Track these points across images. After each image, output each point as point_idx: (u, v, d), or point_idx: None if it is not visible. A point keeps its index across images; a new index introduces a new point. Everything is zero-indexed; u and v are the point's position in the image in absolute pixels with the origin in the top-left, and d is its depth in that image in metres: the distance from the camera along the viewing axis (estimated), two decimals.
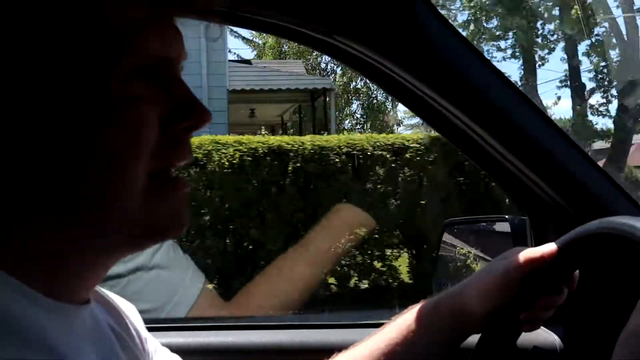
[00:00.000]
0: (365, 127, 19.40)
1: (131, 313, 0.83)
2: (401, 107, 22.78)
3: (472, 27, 18.13)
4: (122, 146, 0.57)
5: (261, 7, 0.97)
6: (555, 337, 1.13)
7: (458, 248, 1.43)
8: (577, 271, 0.86)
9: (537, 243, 1.12)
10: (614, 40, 17.24)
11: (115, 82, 0.56)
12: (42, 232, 0.58)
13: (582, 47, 18.17)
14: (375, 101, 19.70)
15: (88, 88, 0.56)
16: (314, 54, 18.40)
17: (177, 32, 0.64)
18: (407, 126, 24.83)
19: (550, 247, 0.84)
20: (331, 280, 6.31)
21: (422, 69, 0.98)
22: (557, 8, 17.38)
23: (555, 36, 18.50)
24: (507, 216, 1.28)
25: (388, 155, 6.19)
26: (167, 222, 0.64)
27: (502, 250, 1.05)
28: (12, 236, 0.58)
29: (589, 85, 18.49)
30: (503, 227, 1.30)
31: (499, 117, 1.01)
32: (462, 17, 19.04)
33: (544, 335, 1.11)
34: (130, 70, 0.57)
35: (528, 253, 0.85)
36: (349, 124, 20.47)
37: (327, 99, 13.07)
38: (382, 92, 17.68)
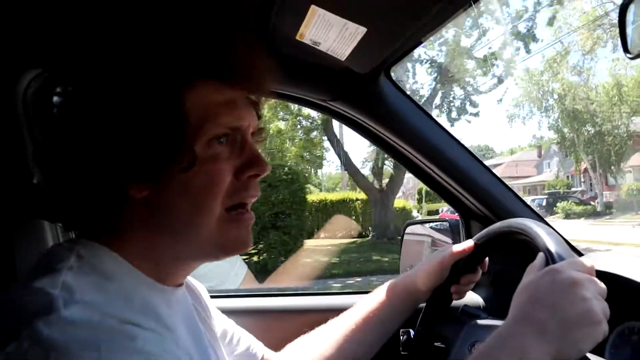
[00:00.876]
0: None
1: (203, 292, 1.08)
2: None
3: None
4: (204, 189, 0.76)
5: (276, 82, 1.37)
6: (480, 298, 1.52)
7: (416, 242, 1.82)
8: (487, 258, 1.19)
9: (467, 237, 1.55)
10: None
11: (199, 146, 0.74)
12: (152, 238, 0.77)
13: None
14: None
15: (181, 151, 0.73)
16: None
17: (247, 107, 0.81)
18: None
19: (469, 243, 1.17)
20: None
21: (385, 121, 1.42)
22: None
23: None
24: (447, 219, 1.68)
25: None
26: (235, 243, 0.81)
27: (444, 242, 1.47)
28: (134, 239, 0.77)
29: None
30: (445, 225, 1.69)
31: (438, 152, 1.44)
32: None
33: (473, 297, 1.50)
34: (209, 138, 0.75)
35: (455, 247, 1.18)
36: None
37: None
38: None
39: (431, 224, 1.80)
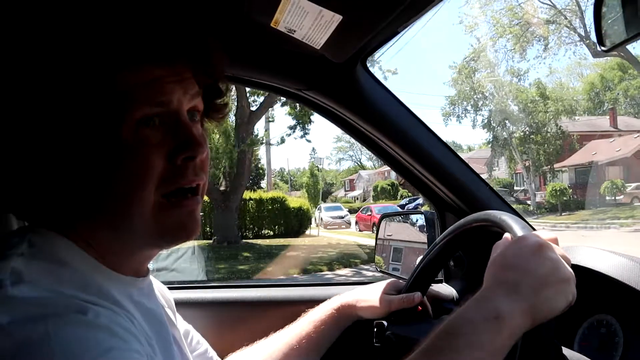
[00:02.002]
0: None
1: (165, 290, 1.05)
2: None
3: None
4: (133, 176, 0.73)
5: (249, 70, 1.37)
6: (454, 290, 1.52)
7: (391, 235, 1.82)
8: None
9: (442, 229, 1.56)
10: None
11: (124, 130, 0.72)
12: (95, 228, 0.76)
13: None
14: None
15: (103, 135, 0.71)
16: None
17: (178, 85, 0.76)
18: None
19: (416, 298, 1.24)
20: None
21: (360, 111, 1.41)
22: None
23: None
24: (422, 210, 1.67)
25: None
26: (175, 230, 0.78)
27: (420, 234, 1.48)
28: (83, 227, 0.76)
29: None
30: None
31: (414, 143, 1.44)
32: None
33: (446, 290, 1.51)
34: (135, 121, 0.72)
35: (402, 299, 1.25)
36: None
37: None
38: None
39: (405, 217, 1.80)
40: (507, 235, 0.92)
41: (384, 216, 1.85)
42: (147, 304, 0.83)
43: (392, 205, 34.14)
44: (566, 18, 30.73)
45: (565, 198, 30.83)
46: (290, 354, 1.24)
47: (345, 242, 21.17)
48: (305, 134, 17.69)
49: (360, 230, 30.20)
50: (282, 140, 18.83)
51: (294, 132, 17.64)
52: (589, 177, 33.30)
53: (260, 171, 38.37)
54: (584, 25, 30.52)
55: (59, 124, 0.70)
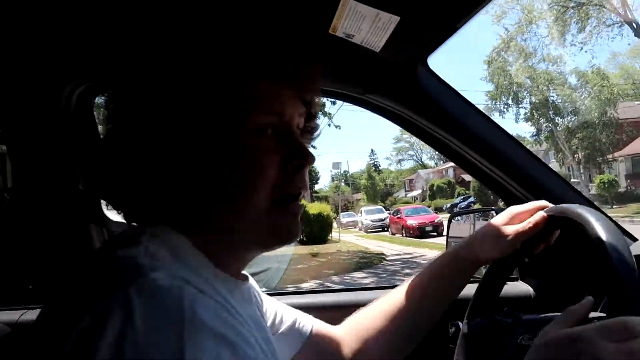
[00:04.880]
0: None
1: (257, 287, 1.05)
2: None
3: None
4: (248, 180, 0.77)
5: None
6: (530, 288, 1.49)
7: (461, 234, 1.78)
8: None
9: None
10: None
11: (242, 136, 0.77)
12: (207, 230, 0.79)
13: None
14: None
15: (223, 140, 0.76)
16: None
17: (292, 101, 0.82)
18: None
19: (538, 216, 1.06)
20: None
21: (425, 111, 1.40)
22: None
23: None
24: (493, 207, 1.63)
25: None
26: (280, 233, 0.82)
27: None
28: (194, 229, 0.78)
29: None
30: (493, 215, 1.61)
31: (481, 141, 1.42)
32: None
33: (523, 288, 1.48)
34: (252, 129, 0.77)
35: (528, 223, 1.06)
36: None
37: None
38: None
39: (476, 214, 1.76)
40: (588, 302, 0.75)
41: (453, 215, 1.82)
42: (249, 306, 0.86)
43: (422, 207, 33.09)
44: None
45: (615, 190, 29.33)
46: (409, 309, 1.14)
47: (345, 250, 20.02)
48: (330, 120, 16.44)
49: (392, 234, 29.11)
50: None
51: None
52: None
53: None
54: (623, 5, 29.11)
55: (193, 130, 0.76)
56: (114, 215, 1.25)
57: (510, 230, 1.08)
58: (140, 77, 0.79)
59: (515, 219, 1.10)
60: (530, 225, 1.07)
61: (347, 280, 12.12)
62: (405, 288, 1.16)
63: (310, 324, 1.13)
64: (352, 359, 1.12)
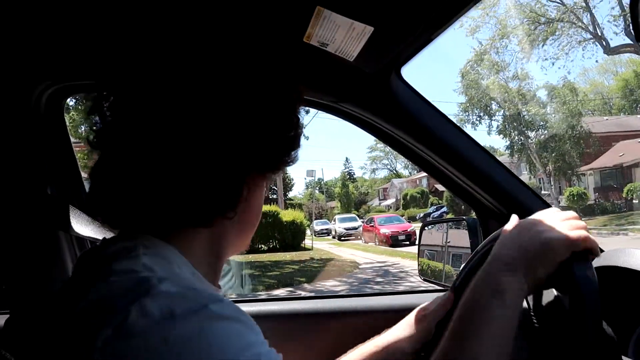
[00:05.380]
0: None
1: None
2: None
3: None
4: (255, 211, 0.88)
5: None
6: None
7: (432, 243, 1.79)
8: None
9: (485, 235, 1.53)
10: None
11: (249, 185, 0.81)
12: (192, 239, 0.80)
13: None
14: None
15: (235, 187, 0.78)
16: None
17: None
18: None
19: (447, 296, 1.19)
20: None
21: (397, 121, 1.41)
22: None
23: None
24: (464, 217, 1.62)
25: None
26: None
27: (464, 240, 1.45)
28: (179, 238, 0.78)
29: None
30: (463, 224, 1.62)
31: (453, 151, 1.42)
32: None
33: None
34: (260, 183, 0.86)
35: (433, 305, 1.20)
36: None
37: None
38: None
39: (448, 223, 1.78)
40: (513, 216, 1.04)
41: (425, 224, 1.83)
42: None
43: (395, 215, 33.38)
44: (576, 15, 30.18)
45: (584, 203, 30.00)
46: None
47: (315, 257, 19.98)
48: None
49: (365, 242, 29.40)
50: None
51: None
52: (615, 180, 32.39)
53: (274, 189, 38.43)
54: (593, 22, 30.02)
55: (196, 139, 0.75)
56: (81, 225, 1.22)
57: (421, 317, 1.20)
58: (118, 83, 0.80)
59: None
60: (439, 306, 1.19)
61: (319, 288, 12.13)
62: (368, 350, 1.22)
63: None
64: None
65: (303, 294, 10.58)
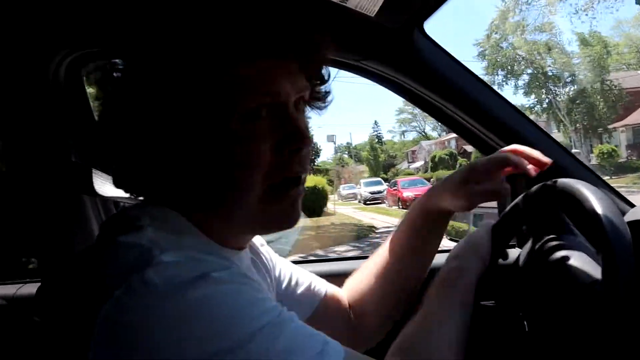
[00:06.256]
0: None
1: (264, 246, 1.09)
2: None
3: None
4: (242, 166, 0.75)
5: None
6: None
7: None
8: None
9: (513, 197, 1.47)
10: None
11: (234, 122, 0.73)
12: (204, 213, 0.79)
13: None
14: None
15: (215, 126, 0.73)
16: None
17: (287, 76, 0.78)
18: None
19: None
20: None
21: (422, 78, 1.36)
22: None
23: None
24: None
25: None
26: (278, 220, 0.81)
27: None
28: (192, 209, 0.78)
29: None
30: None
31: (480, 108, 1.38)
32: None
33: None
34: (244, 114, 0.74)
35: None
36: None
37: None
38: None
39: None
40: None
41: None
42: (250, 272, 0.88)
43: (419, 179, 33.02)
44: None
45: (614, 160, 29.26)
46: (394, 267, 1.13)
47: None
48: None
49: (389, 206, 29.02)
50: None
51: None
52: None
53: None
54: None
55: (182, 115, 0.74)
56: (106, 187, 1.24)
57: (465, 191, 1.04)
58: (126, 52, 0.79)
59: (475, 173, 1.05)
60: (488, 189, 1.03)
61: (330, 255, 12.19)
62: (387, 246, 1.15)
63: (325, 287, 1.14)
64: (355, 320, 1.14)
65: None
